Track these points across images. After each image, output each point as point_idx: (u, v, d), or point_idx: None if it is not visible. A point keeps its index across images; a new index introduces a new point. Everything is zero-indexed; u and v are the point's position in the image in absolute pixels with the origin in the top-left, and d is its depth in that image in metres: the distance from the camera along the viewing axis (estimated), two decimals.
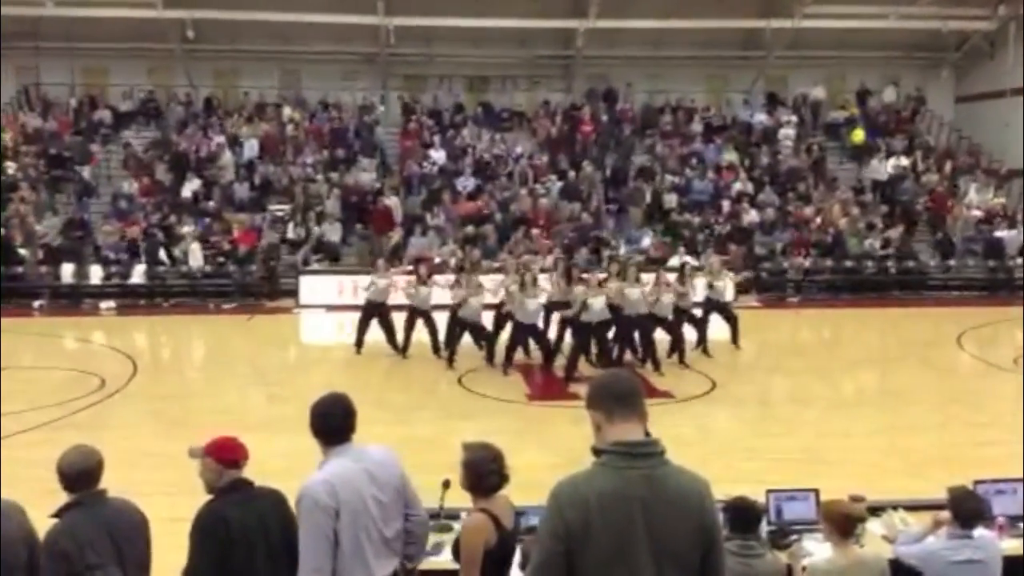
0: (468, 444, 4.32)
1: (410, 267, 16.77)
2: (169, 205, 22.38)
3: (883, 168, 24.48)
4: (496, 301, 14.10)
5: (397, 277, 15.45)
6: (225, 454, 4.21)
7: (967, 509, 4.67)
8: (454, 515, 5.38)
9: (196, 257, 20.62)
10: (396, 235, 21.55)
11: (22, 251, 20.54)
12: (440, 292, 14.59)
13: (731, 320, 15.02)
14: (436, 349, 14.17)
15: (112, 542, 4.12)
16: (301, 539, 3.92)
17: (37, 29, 24.53)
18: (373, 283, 14.66)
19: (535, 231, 21.55)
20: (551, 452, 9.15)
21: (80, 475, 4.20)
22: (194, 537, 4.03)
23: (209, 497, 4.17)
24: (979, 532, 4.71)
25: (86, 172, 23.41)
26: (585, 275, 14.12)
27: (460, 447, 4.34)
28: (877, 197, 24.08)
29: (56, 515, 4.14)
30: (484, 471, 4.22)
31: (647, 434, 2.85)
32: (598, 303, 12.79)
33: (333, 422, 4.12)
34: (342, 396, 4.22)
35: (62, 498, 4.20)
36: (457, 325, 13.83)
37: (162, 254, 20.71)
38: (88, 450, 4.30)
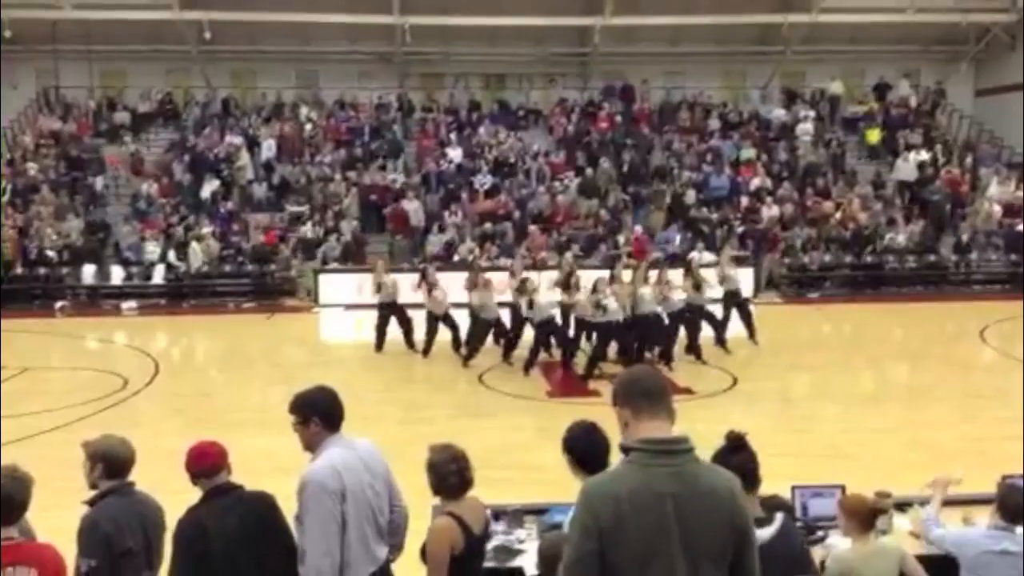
0: (432, 445, 4.30)
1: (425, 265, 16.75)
2: (188, 206, 22.50)
3: (910, 168, 24.18)
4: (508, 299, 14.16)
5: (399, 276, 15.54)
6: (190, 466, 4.15)
7: (1013, 504, 4.63)
8: None
9: (197, 257, 20.72)
10: (443, 237, 21.53)
11: (50, 253, 20.68)
12: (454, 291, 14.66)
13: (746, 315, 14.96)
14: (457, 346, 14.16)
15: (143, 531, 4.16)
16: (308, 525, 3.90)
17: (55, 32, 24.70)
18: (379, 286, 14.68)
19: (532, 228, 21.55)
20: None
21: (126, 463, 4.24)
22: (173, 547, 4.02)
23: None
24: (1019, 529, 4.66)
25: (99, 182, 23.40)
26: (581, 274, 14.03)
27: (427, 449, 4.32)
28: (905, 198, 23.75)
29: (91, 502, 4.16)
30: (444, 472, 4.19)
31: None
32: (612, 304, 12.72)
33: (338, 409, 4.15)
34: (329, 387, 4.24)
35: (88, 495, 4.22)
36: (479, 327, 13.82)
37: (171, 255, 20.82)
38: (126, 439, 4.33)
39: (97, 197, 23.09)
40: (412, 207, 22.23)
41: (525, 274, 14.27)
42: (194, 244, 20.81)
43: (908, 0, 24.55)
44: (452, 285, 14.83)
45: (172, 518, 4.30)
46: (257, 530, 4.09)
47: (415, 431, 9.65)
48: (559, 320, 13.77)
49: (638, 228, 21.74)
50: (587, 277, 14.12)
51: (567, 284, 13.76)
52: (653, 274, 13.99)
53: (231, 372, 14.26)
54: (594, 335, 13.06)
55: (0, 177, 22.52)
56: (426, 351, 14.31)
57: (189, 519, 4.05)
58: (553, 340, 13.60)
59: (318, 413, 4.10)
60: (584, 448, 3.93)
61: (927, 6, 24.66)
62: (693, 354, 13.76)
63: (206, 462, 4.16)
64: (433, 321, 14.23)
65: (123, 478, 4.22)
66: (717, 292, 14.77)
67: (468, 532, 4.15)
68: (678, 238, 21.69)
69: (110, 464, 4.19)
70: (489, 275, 14.67)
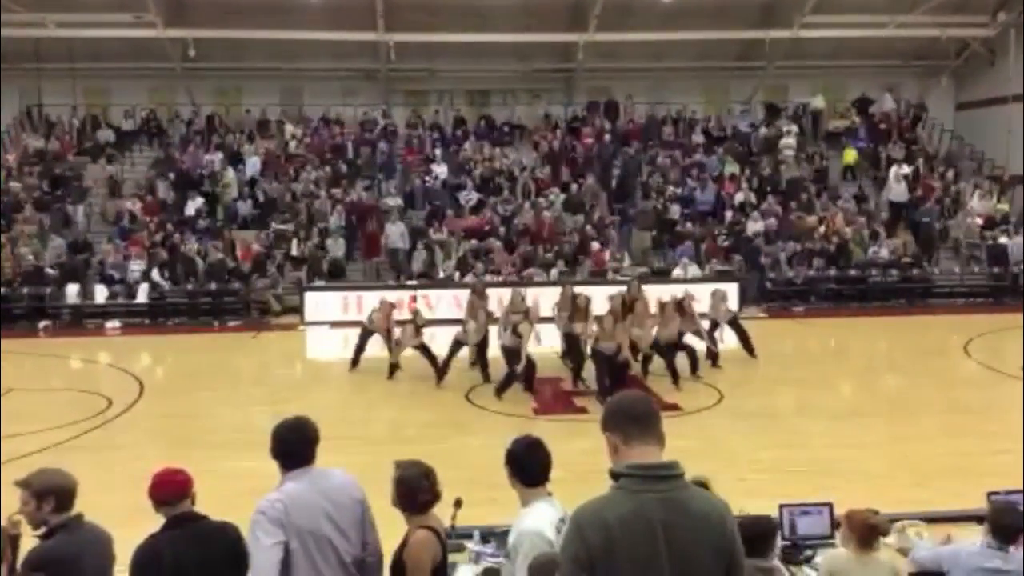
0: (400, 462, 4.30)
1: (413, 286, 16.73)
2: (172, 224, 22.42)
3: (901, 189, 24.08)
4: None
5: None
6: (158, 493, 4.11)
7: (1005, 524, 4.62)
8: (466, 534, 5.36)
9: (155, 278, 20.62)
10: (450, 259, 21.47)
11: (50, 271, 20.54)
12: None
13: (741, 335, 15.03)
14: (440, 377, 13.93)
15: (100, 561, 4.18)
16: (252, 558, 3.89)
17: (39, 50, 24.62)
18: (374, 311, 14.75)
19: (496, 243, 21.56)
20: (558, 467, 9.07)
21: (73, 494, 4.23)
22: (130, 573, 3.99)
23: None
24: (1012, 548, 4.66)
25: (80, 211, 23.12)
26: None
27: (393, 465, 4.31)
28: (897, 221, 23.55)
29: (44, 537, 4.14)
30: (417, 488, 4.19)
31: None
32: (609, 347, 12.43)
33: (291, 447, 4.08)
34: (304, 420, 4.17)
35: None
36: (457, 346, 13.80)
37: (155, 273, 20.71)
38: (64, 470, 4.35)
39: (73, 222, 22.88)
40: (397, 230, 22.13)
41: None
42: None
43: (888, 15, 24.79)
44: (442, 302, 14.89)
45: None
46: (217, 562, 4.05)
47: (401, 450, 9.60)
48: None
49: (596, 244, 21.76)
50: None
51: (573, 312, 13.53)
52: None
53: (216, 392, 14.16)
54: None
55: None
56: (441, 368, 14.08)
57: (146, 547, 4.00)
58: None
59: (272, 450, 4.09)
60: (522, 461, 4.01)
61: (907, 21, 24.89)
62: (690, 368, 13.59)
63: (169, 490, 4.12)
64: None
65: (71, 510, 4.21)
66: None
67: (443, 543, 4.19)
68: (687, 256, 21.64)
69: (60, 498, 4.18)
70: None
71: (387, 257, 22.03)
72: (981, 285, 22.10)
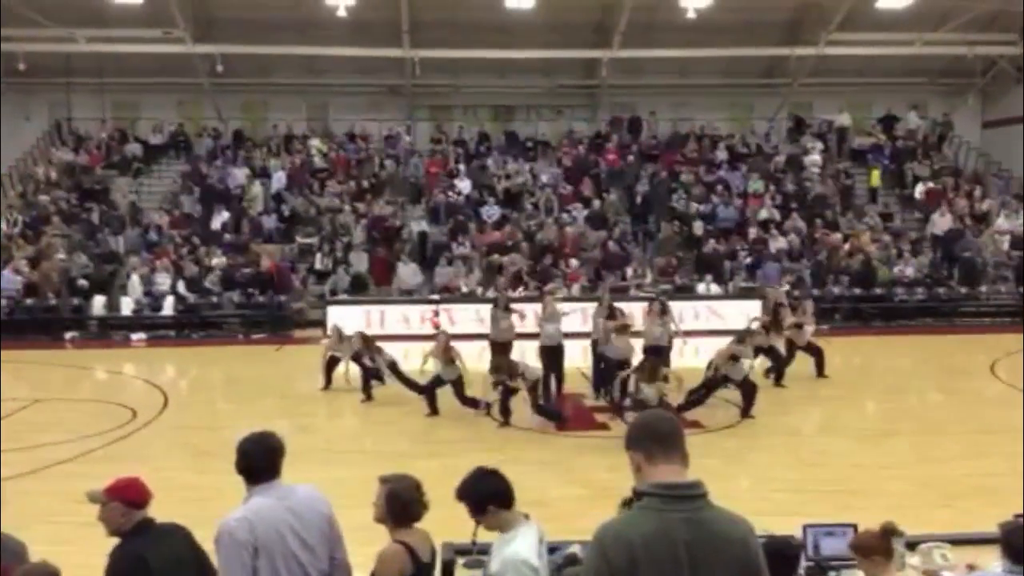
0: (387, 476, 4.28)
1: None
2: (199, 237, 22.61)
3: (945, 222, 23.65)
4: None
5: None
6: (132, 495, 4.14)
7: (1017, 543, 4.56)
8: (486, 550, 5.35)
9: (135, 290, 20.73)
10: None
11: (82, 282, 20.74)
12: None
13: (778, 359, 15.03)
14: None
15: (14, 562, 4.26)
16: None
17: (68, 65, 24.97)
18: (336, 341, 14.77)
19: (504, 258, 21.57)
20: (581, 484, 9.10)
21: None
22: None
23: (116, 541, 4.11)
24: None
25: (120, 241, 22.97)
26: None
27: (379, 481, 4.29)
28: (939, 254, 23.00)
29: None
30: (408, 499, 4.19)
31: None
32: (650, 393, 11.62)
33: (254, 461, 4.07)
34: (268, 435, 4.16)
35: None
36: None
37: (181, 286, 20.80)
38: None
39: (100, 235, 23.07)
40: (408, 270, 21.94)
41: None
42: (134, 277, 20.84)
43: (915, 33, 24.68)
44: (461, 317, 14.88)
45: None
46: (187, 557, 4.16)
47: (423, 464, 9.59)
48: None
49: (574, 262, 21.74)
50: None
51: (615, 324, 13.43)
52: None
53: (239, 404, 14.25)
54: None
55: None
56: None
57: (125, 552, 4.02)
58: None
59: (237, 464, 4.10)
60: (500, 491, 4.07)
61: (934, 39, 24.77)
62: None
63: (146, 494, 4.18)
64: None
65: None
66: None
67: (416, 559, 4.15)
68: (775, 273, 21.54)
69: None
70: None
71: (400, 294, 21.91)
72: (1008, 304, 21.87)
